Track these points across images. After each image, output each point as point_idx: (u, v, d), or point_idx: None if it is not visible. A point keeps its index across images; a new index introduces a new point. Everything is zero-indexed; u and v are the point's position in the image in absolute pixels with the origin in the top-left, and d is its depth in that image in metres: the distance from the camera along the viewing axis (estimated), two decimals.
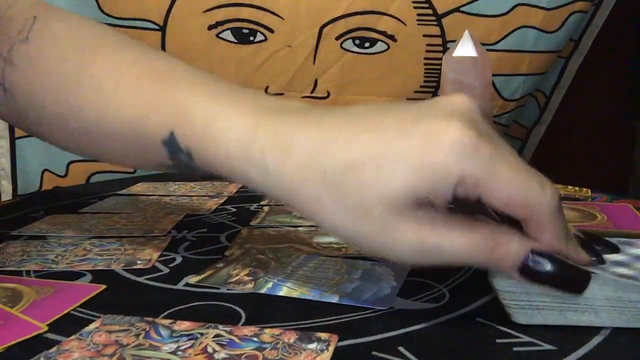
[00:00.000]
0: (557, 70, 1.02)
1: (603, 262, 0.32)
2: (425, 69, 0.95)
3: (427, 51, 0.94)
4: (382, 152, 0.29)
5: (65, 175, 0.91)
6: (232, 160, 0.33)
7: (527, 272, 0.30)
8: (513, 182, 0.28)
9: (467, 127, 0.28)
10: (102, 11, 0.87)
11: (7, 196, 0.90)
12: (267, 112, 0.33)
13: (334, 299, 0.36)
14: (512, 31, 0.95)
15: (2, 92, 0.44)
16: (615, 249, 0.34)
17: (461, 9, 0.93)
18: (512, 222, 0.31)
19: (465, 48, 0.69)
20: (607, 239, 0.35)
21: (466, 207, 0.31)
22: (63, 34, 0.43)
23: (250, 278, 0.40)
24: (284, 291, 0.38)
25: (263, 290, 0.38)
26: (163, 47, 0.89)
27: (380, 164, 0.29)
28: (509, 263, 0.30)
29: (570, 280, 0.30)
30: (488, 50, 0.73)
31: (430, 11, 0.93)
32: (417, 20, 0.93)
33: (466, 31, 0.70)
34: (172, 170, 0.39)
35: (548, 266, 0.29)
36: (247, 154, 0.32)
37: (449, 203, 0.29)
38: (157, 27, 0.88)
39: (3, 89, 0.43)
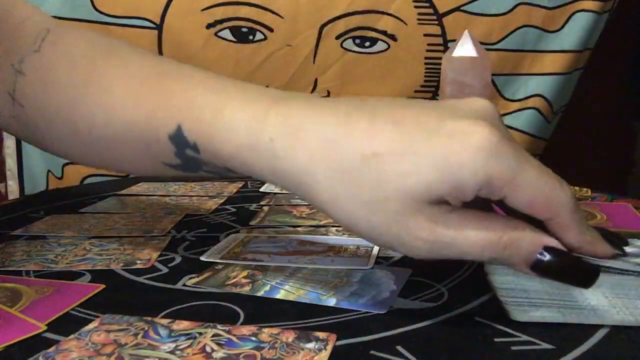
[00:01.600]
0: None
1: (625, 253, 0.32)
2: (426, 68, 0.95)
3: (428, 50, 0.94)
4: (404, 146, 0.29)
5: (61, 177, 0.91)
6: (239, 147, 0.33)
7: (538, 268, 0.29)
8: (537, 182, 0.28)
9: (493, 128, 0.28)
10: (97, 9, 0.86)
11: (14, 196, 0.90)
12: (276, 99, 0.33)
13: (331, 303, 0.36)
14: (514, 30, 0.95)
15: (11, 103, 0.44)
16: (625, 243, 0.34)
17: (462, 8, 0.93)
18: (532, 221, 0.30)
19: (465, 48, 0.69)
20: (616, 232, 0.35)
21: (478, 203, 0.31)
22: (74, 44, 0.43)
23: (248, 280, 0.40)
24: (281, 294, 0.37)
25: (260, 293, 0.38)
26: (160, 46, 0.89)
27: (402, 158, 0.28)
28: (521, 259, 0.29)
29: (580, 275, 0.30)
30: (489, 49, 0.73)
31: (431, 10, 0.93)
32: (418, 19, 0.93)
33: (466, 31, 0.70)
34: (177, 171, 0.39)
35: (559, 262, 0.29)
36: (256, 139, 0.32)
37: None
38: (154, 26, 0.88)
39: (12, 100, 0.44)
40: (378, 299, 0.36)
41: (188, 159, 0.37)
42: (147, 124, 0.37)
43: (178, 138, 0.36)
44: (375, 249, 0.46)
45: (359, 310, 0.35)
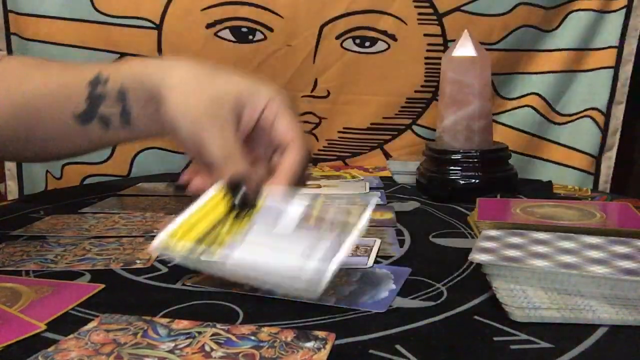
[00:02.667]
0: (607, 84, 0.97)
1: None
2: (426, 68, 0.95)
3: (428, 50, 0.94)
4: (249, 79, 0.46)
5: (60, 177, 0.91)
6: (137, 64, 0.49)
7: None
8: (295, 122, 0.45)
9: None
10: (97, 9, 0.86)
11: (13, 196, 0.90)
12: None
13: (331, 302, 0.36)
14: (513, 30, 0.94)
15: None
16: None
17: (462, 8, 0.93)
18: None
19: (464, 48, 0.69)
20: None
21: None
22: (24, 59, 0.59)
23: None
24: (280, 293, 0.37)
25: (259, 292, 0.38)
26: (159, 46, 0.89)
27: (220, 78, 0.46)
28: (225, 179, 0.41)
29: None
30: (489, 49, 0.73)
31: (431, 10, 0.93)
32: (418, 19, 0.93)
33: (465, 30, 0.70)
34: (76, 125, 0.50)
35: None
36: (157, 65, 0.48)
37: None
38: (154, 26, 0.88)
39: None
40: (377, 298, 0.36)
41: (94, 97, 0.49)
42: (73, 81, 0.50)
43: (95, 80, 0.49)
44: (375, 249, 0.46)
45: (358, 310, 0.35)
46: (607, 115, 0.97)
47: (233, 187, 0.41)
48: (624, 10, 0.95)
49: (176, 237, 0.37)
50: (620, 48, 0.96)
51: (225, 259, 0.35)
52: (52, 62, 0.55)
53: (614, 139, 0.98)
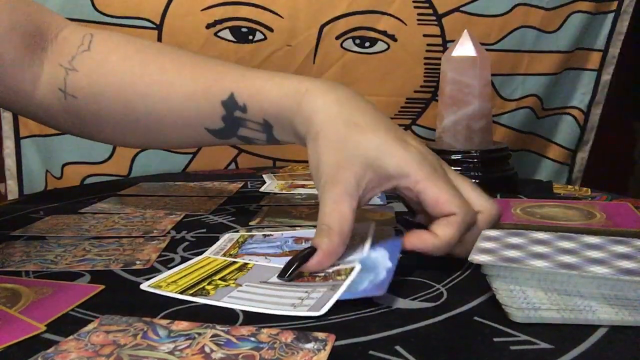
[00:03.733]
0: (591, 84, 1.00)
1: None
2: (425, 68, 0.95)
3: (427, 51, 0.94)
4: (382, 140, 0.42)
5: (60, 177, 0.91)
6: (282, 96, 0.45)
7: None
8: (443, 188, 0.41)
9: (427, 157, 0.42)
10: (97, 9, 0.86)
11: (13, 196, 0.90)
12: (311, 80, 0.47)
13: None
14: (512, 31, 0.95)
15: (63, 97, 0.50)
16: None
17: (461, 8, 0.93)
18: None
19: (464, 48, 0.69)
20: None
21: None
22: (124, 41, 0.52)
23: None
24: None
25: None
26: None
27: (371, 134, 0.42)
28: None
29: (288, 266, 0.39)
30: (488, 50, 0.73)
31: (430, 11, 0.93)
32: (418, 19, 0.93)
33: (465, 30, 0.70)
34: (211, 138, 0.49)
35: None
36: (295, 89, 0.45)
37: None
38: (154, 26, 0.88)
39: (64, 94, 0.50)
40: (376, 281, 0.36)
41: (232, 120, 0.47)
42: (203, 96, 0.47)
43: (230, 102, 0.47)
44: (370, 236, 0.45)
45: (359, 306, 0.35)
46: (587, 114, 1.00)
47: (293, 259, 0.39)
48: (613, 14, 0.96)
49: (160, 288, 0.39)
50: (605, 51, 0.97)
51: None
52: (157, 52, 0.51)
53: (590, 135, 1.02)
